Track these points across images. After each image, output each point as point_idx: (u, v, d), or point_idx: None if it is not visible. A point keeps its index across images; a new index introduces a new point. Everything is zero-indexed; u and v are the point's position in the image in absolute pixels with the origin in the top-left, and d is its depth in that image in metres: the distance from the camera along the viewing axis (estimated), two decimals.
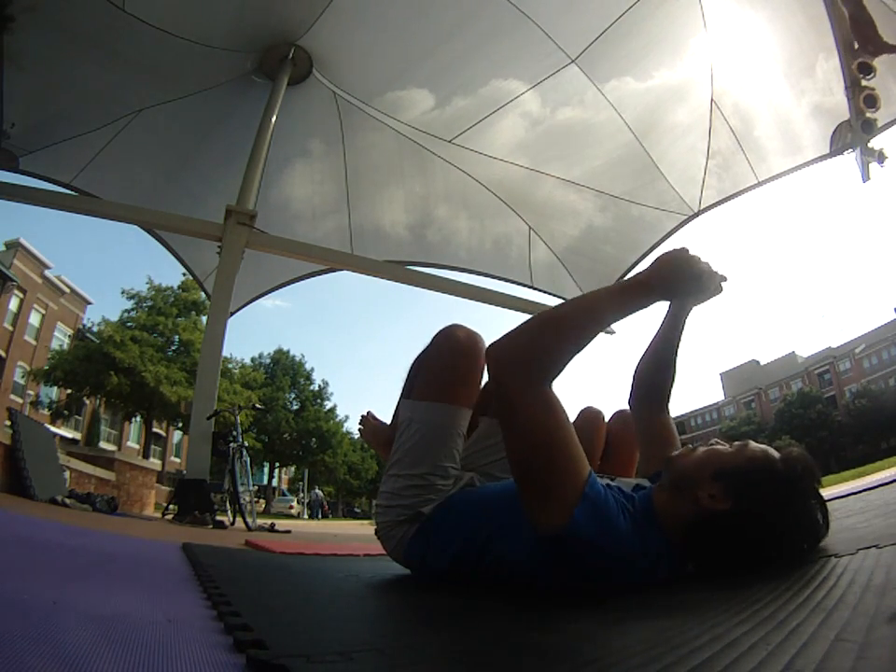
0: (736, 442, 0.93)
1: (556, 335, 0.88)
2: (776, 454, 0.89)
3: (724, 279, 1.04)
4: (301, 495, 28.78)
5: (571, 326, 0.90)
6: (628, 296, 0.94)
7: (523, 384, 0.84)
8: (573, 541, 0.80)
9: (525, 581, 0.91)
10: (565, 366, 0.87)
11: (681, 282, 0.97)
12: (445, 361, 1.16)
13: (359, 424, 1.56)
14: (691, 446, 0.97)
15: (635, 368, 1.30)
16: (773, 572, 0.78)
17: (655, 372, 1.24)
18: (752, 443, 0.92)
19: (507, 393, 0.85)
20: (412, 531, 1.11)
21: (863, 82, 4.14)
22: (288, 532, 4.19)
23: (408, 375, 1.27)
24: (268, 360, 28.36)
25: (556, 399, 0.85)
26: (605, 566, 0.83)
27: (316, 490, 24.98)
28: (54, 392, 19.53)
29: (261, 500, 21.80)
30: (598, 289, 0.99)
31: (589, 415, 1.80)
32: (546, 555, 0.84)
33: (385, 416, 1.49)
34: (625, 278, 0.95)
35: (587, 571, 0.83)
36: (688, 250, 0.98)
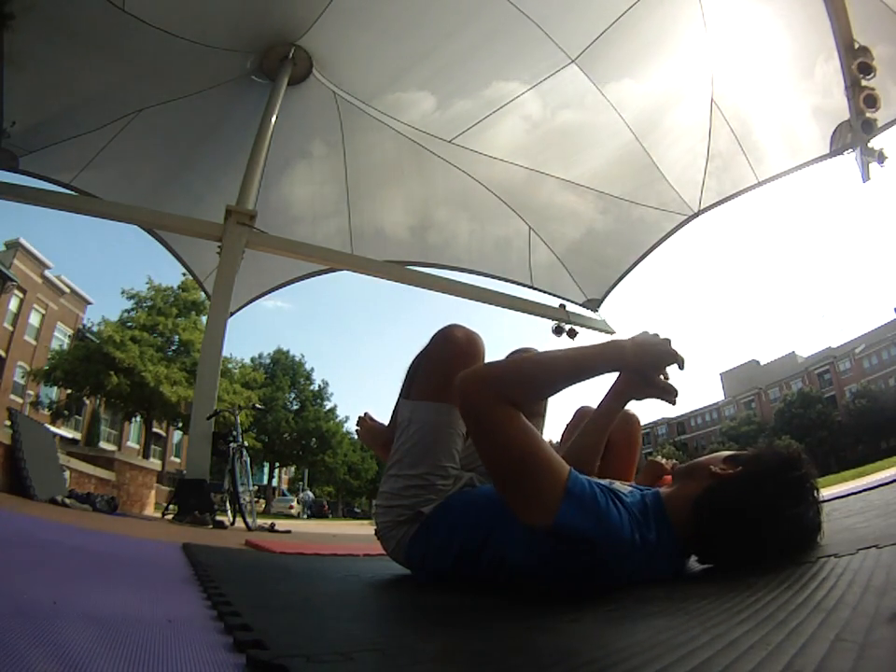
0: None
1: (522, 369, 0.97)
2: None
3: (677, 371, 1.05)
4: (301, 495, 28.81)
5: (539, 365, 0.98)
6: (604, 355, 0.99)
7: (488, 403, 0.88)
8: (564, 536, 0.82)
9: (525, 581, 0.91)
10: (529, 398, 0.95)
11: (653, 356, 1.01)
12: (444, 361, 1.17)
13: (356, 425, 1.56)
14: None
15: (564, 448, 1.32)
16: (773, 572, 0.78)
17: (580, 453, 1.25)
18: None
19: (475, 413, 0.90)
20: (412, 531, 1.11)
21: (863, 82, 4.14)
22: (288, 532, 4.19)
23: (407, 375, 1.27)
24: (268, 360, 28.35)
25: (520, 416, 0.88)
26: (600, 556, 0.84)
27: (307, 492, 25.15)
28: (54, 392, 19.51)
29: (261, 500, 21.80)
30: (575, 347, 1.12)
31: (586, 415, 1.80)
32: (543, 554, 0.85)
33: (385, 417, 1.49)
34: (608, 341, 1.02)
35: (584, 565, 0.84)
36: (670, 341, 1.04)
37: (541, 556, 0.86)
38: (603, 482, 1.01)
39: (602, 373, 0.98)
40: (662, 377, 1.04)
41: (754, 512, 0.88)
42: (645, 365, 1.01)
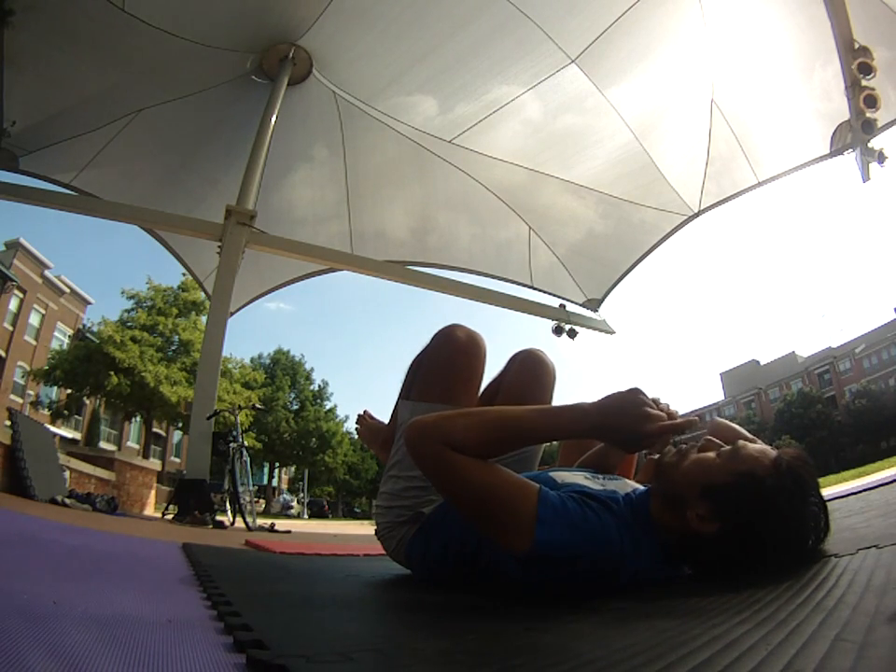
0: (726, 448, 0.88)
1: (475, 422, 0.86)
2: (767, 461, 0.84)
3: (676, 433, 0.84)
4: (301, 495, 28.82)
5: (494, 421, 0.88)
6: (560, 419, 0.87)
7: (433, 449, 0.84)
8: (546, 559, 0.81)
9: (518, 586, 0.90)
10: (474, 453, 0.84)
11: (622, 425, 0.83)
12: (445, 361, 1.16)
13: (356, 423, 1.55)
14: (683, 446, 0.92)
15: None
16: (773, 572, 0.78)
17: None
18: (743, 449, 0.86)
19: (423, 462, 0.86)
20: (412, 532, 1.11)
21: (863, 82, 4.15)
22: (288, 532, 4.19)
23: (407, 375, 1.26)
24: (268, 361, 28.36)
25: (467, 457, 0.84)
26: (589, 568, 0.83)
27: (285, 495, 25.47)
28: (54, 392, 19.51)
29: (261, 500, 21.80)
30: (539, 406, 0.97)
31: None
32: (534, 570, 0.85)
33: (385, 417, 1.49)
34: (569, 404, 0.88)
35: (574, 577, 0.83)
36: (641, 392, 0.85)
37: (534, 572, 0.85)
38: (608, 484, 1.00)
39: (566, 438, 0.90)
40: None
41: (744, 557, 0.82)
42: (614, 436, 0.86)
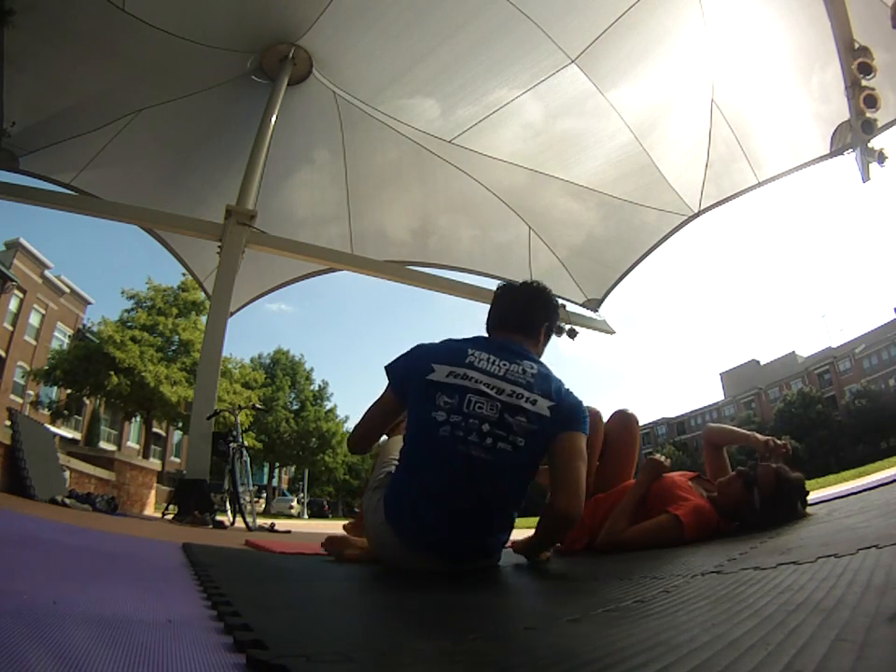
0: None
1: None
2: None
3: None
4: (301, 495, 28.79)
5: None
6: None
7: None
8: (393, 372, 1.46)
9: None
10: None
11: None
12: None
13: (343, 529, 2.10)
14: None
15: None
16: (772, 572, 0.78)
17: None
18: None
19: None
20: (382, 494, 1.42)
21: (863, 82, 4.14)
22: (288, 532, 4.19)
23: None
24: (268, 361, 28.34)
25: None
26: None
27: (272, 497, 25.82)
28: (54, 392, 19.51)
29: (262, 500, 21.77)
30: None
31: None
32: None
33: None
34: None
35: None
36: None
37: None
38: None
39: None
40: None
41: None
42: None
